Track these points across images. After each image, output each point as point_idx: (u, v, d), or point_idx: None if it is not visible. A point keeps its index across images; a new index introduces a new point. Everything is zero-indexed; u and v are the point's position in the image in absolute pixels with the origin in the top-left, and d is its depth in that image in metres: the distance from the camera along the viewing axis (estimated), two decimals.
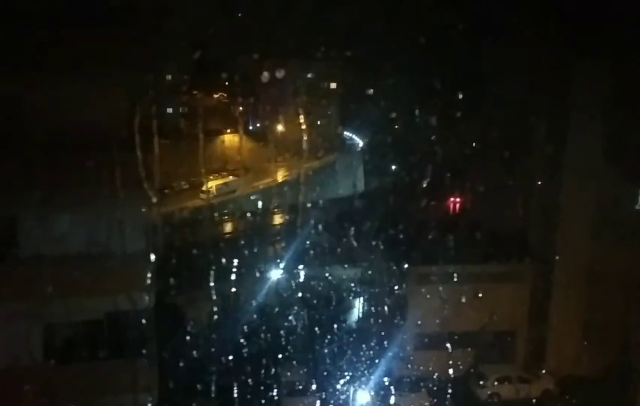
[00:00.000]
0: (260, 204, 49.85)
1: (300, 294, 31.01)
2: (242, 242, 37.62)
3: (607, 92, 31.09)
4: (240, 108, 57.09)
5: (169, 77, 49.35)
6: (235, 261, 27.92)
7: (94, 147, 18.01)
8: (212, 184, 50.60)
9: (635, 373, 29.57)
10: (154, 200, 19.84)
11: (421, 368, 30.71)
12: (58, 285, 17.52)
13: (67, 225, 19.32)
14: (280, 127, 56.74)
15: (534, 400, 31.03)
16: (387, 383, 28.96)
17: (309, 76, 53.72)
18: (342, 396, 27.83)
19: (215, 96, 56.91)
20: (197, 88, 53.05)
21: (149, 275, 18.88)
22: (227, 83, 55.07)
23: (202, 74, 50.99)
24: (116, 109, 19.63)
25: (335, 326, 30.81)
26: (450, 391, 29.18)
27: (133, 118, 19.60)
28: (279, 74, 46.74)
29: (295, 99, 51.02)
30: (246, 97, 55.61)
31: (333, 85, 56.29)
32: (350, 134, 53.87)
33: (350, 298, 35.07)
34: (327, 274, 34.07)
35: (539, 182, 33.41)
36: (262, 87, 53.09)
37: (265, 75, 44.87)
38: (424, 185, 28.16)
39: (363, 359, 28.58)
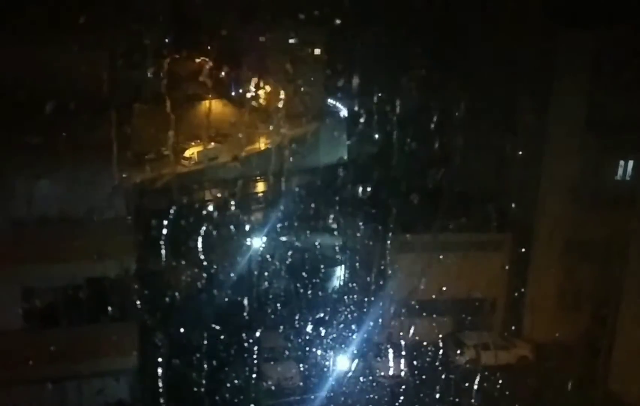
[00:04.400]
0: (242, 171, 49.56)
1: (281, 262, 31.06)
2: (224, 209, 37.48)
3: (590, 61, 31.21)
4: (223, 73, 56.49)
5: (150, 40, 48.58)
6: (217, 229, 27.81)
7: (74, 112, 17.83)
8: (194, 150, 50.17)
9: (606, 340, 30.22)
10: (134, 165, 19.74)
11: (400, 334, 31.06)
12: (38, 249, 17.45)
13: (46, 189, 19.16)
14: (262, 94, 56.23)
15: (510, 366, 31.60)
16: (366, 350, 29.30)
17: (293, 41, 53.09)
18: (322, 362, 28.12)
19: (197, 60, 56.15)
20: (178, 52, 52.26)
21: (129, 241, 18.85)
22: (209, 47, 54.40)
23: (183, 38, 50.27)
24: (95, 72, 19.41)
25: (315, 292, 30.98)
26: (428, 357, 29.65)
27: (112, 82, 19.38)
28: (262, 38, 46.26)
29: (278, 64, 50.48)
30: (228, 62, 55.03)
31: (317, 51, 55.61)
32: (334, 102, 53.52)
33: (331, 265, 35.21)
34: (308, 242, 34.12)
35: (520, 152, 33.58)
36: (245, 52, 52.54)
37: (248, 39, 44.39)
38: (406, 153, 28.21)
39: (343, 326, 28.84)
